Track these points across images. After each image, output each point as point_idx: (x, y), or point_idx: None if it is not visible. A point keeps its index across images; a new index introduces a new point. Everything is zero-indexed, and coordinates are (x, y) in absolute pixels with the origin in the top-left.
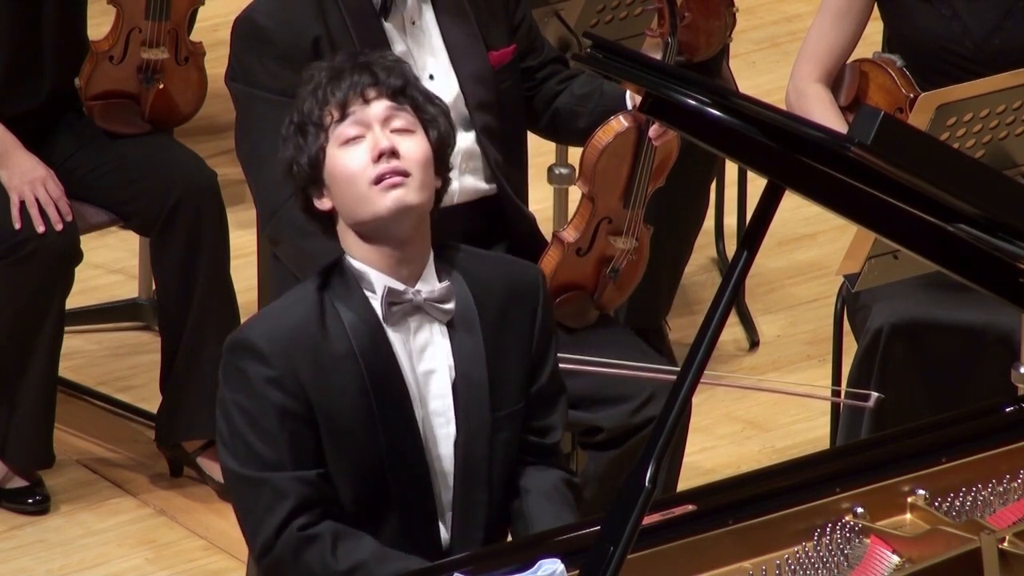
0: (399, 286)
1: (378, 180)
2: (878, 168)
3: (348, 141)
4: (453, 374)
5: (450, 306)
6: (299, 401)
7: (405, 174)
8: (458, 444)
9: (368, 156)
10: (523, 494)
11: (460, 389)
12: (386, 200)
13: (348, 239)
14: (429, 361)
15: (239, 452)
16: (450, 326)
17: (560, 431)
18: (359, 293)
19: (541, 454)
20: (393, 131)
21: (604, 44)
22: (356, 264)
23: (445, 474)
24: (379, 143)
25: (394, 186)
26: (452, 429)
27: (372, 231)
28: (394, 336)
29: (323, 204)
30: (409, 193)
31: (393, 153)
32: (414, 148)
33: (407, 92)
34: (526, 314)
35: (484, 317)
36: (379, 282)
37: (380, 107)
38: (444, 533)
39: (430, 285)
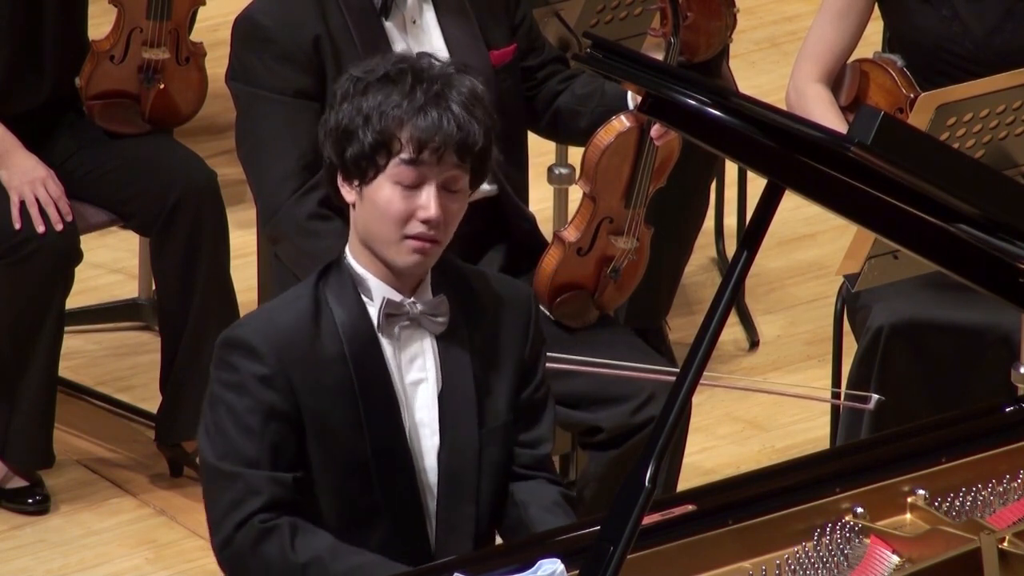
0: (397, 297)
1: (409, 237)
2: (878, 168)
3: (402, 183)
4: (440, 386)
5: (443, 318)
6: (288, 402)
7: (435, 241)
8: (441, 455)
9: (411, 210)
10: (523, 507)
11: (446, 401)
12: (407, 258)
13: (355, 241)
14: (417, 371)
15: (218, 446)
16: (440, 338)
17: (551, 443)
18: (355, 296)
19: (533, 465)
20: (445, 191)
21: (604, 44)
22: (357, 267)
23: (430, 485)
24: (429, 210)
25: (421, 250)
26: (436, 440)
27: (380, 256)
28: (385, 343)
29: (347, 195)
30: (429, 259)
31: (436, 222)
32: (455, 211)
33: (474, 151)
34: (518, 330)
35: (475, 331)
36: (378, 291)
37: (447, 166)
38: (432, 542)
39: (425, 296)
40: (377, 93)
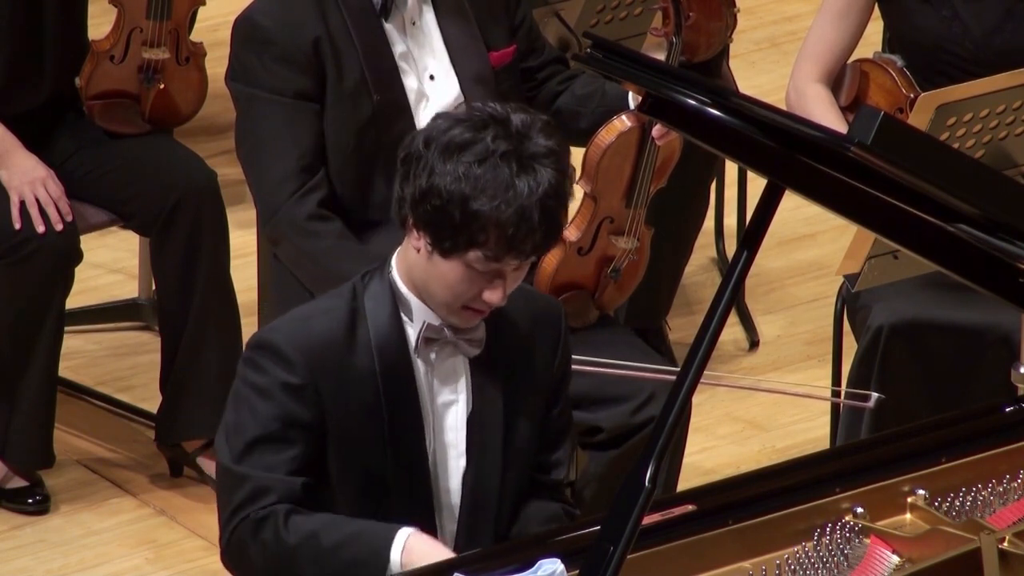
0: (437, 321)
1: (468, 308)
2: (878, 168)
3: (476, 269)
4: (470, 407)
5: (480, 341)
6: (313, 414)
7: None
8: (467, 477)
9: (479, 292)
10: (524, 520)
11: (475, 423)
12: (459, 320)
13: (404, 269)
14: (449, 393)
15: (235, 448)
16: (473, 360)
17: (565, 468)
18: (394, 310)
19: (546, 490)
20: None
21: (604, 44)
22: (402, 287)
23: (452, 507)
24: (493, 299)
25: (475, 317)
26: (463, 462)
27: (428, 304)
28: (419, 363)
29: (414, 241)
30: (478, 320)
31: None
32: (518, 279)
33: (550, 247)
34: (548, 349)
35: (507, 351)
36: (420, 313)
37: (519, 266)
38: None
39: None
40: (477, 166)
